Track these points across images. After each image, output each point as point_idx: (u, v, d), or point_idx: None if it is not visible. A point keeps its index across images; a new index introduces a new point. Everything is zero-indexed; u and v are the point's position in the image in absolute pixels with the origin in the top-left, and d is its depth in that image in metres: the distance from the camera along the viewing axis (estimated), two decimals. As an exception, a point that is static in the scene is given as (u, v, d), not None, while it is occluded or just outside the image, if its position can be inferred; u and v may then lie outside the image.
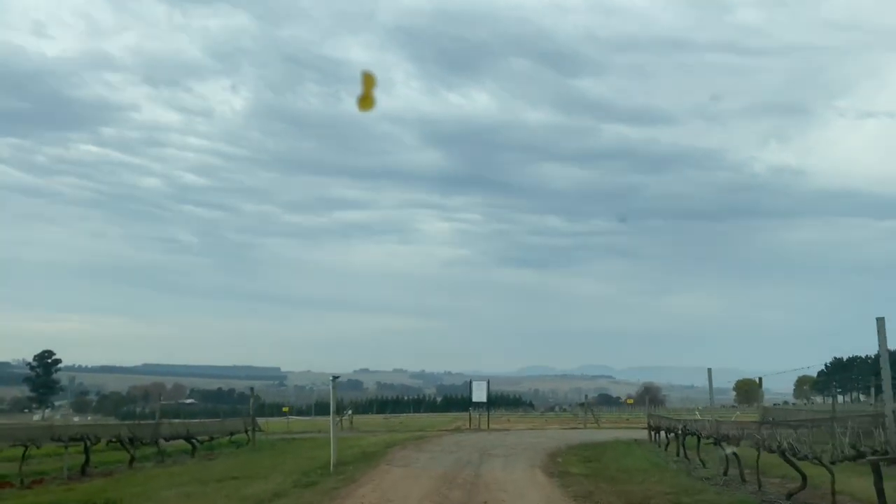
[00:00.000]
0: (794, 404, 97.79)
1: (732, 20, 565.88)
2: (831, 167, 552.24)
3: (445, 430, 39.51)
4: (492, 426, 42.99)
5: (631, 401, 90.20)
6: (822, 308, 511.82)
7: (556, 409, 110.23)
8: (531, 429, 42.53)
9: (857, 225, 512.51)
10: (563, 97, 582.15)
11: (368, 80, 4.25)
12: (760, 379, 21.37)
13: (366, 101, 4.28)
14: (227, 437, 30.61)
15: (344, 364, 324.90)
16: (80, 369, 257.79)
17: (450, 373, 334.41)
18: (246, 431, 31.61)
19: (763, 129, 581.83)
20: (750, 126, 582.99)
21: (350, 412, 48.88)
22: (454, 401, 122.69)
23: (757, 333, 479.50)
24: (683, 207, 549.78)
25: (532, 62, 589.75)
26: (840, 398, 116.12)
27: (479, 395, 44.70)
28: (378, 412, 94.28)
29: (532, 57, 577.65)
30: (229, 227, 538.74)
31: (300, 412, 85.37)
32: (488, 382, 46.73)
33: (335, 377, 18.50)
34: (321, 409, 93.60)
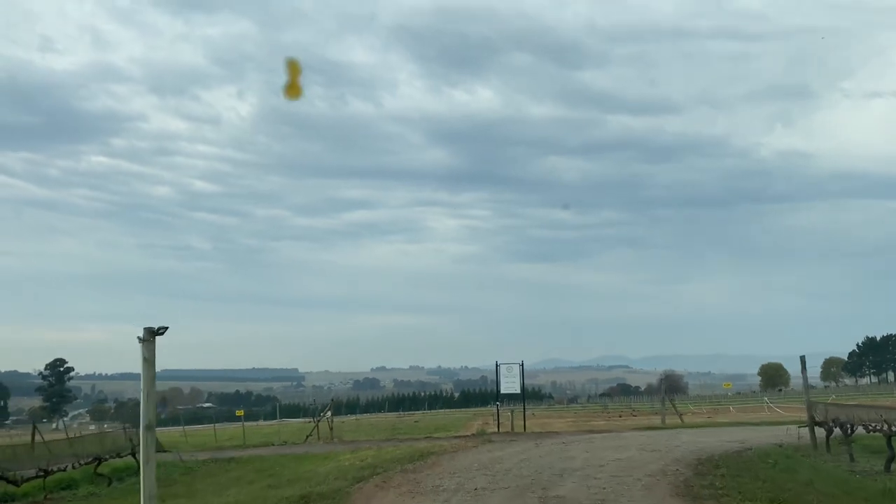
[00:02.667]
0: (826, 387, 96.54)
1: (732, 6, 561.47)
2: (838, 149, 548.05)
3: (464, 436, 28.15)
4: (529, 427, 31.16)
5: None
6: (837, 290, 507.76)
7: (580, 399, 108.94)
8: (585, 431, 29.35)
9: (866, 206, 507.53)
10: (567, 90, 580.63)
11: (293, 67, 4.36)
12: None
13: (292, 89, 4.36)
14: (114, 458, 20.13)
15: (361, 363, 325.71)
16: (100, 377, 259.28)
17: (466, 367, 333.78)
18: (133, 454, 19.78)
19: (768, 114, 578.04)
20: (755, 111, 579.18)
21: (329, 414, 35.04)
22: (472, 395, 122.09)
23: (772, 318, 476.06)
24: (691, 195, 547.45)
25: (534, 56, 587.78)
26: (870, 378, 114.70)
27: (511, 384, 31.30)
28: (392, 410, 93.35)
29: (533, 51, 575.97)
30: (241, 233, 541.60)
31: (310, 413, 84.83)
32: (522, 365, 31.71)
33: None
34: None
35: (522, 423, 31.34)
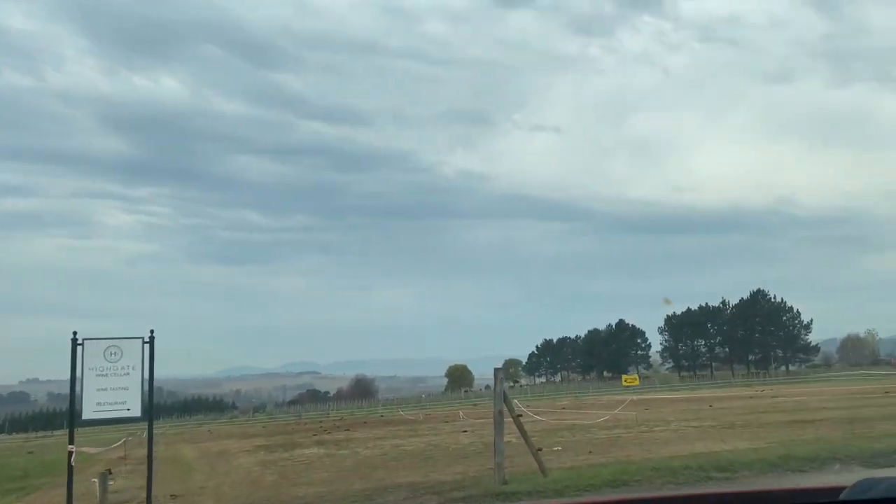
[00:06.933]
0: (511, 386, 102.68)
1: (421, 30, 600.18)
2: (511, 173, 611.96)
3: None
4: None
5: None
6: (514, 299, 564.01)
7: (267, 408, 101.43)
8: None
9: (532, 226, 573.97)
10: (260, 90, 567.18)
11: None
12: (497, 370, 15.75)
13: None
14: None
15: (8, 375, 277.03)
16: None
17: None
18: None
19: (451, 136, 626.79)
20: (440, 131, 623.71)
21: None
22: (158, 408, 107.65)
23: (457, 324, 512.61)
24: (382, 205, 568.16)
25: (225, 51, 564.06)
26: (546, 377, 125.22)
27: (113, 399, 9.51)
28: (43, 429, 77.12)
29: (225, 45, 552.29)
30: None
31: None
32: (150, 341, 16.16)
33: None
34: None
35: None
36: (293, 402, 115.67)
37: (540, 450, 10.44)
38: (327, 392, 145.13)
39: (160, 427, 66.51)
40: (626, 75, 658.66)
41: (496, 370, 10.87)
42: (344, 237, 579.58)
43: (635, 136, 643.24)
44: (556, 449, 14.29)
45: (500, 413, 10.09)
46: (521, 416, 10.33)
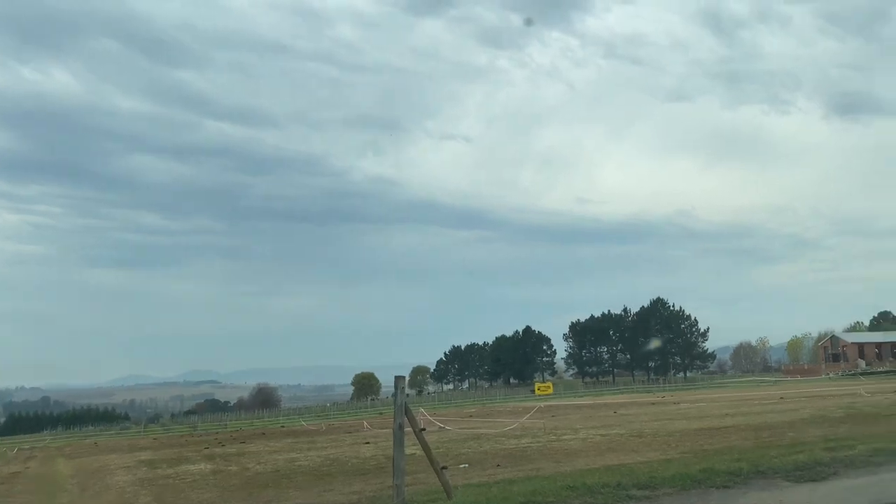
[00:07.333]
0: (418, 393, 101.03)
1: (331, 33, 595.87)
2: (422, 181, 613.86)
3: None
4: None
5: None
6: (423, 306, 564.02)
7: (161, 419, 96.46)
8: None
9: (440, 233, 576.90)
10: (161, 87, 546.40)
11: None
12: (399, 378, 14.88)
13: None
14: None
15: None
16: None
17: (23, 388, 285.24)
18: None
19: (362, 141, 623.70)
20: (350, 136, 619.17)
21: None
22: (24, 420, 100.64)
23: (365, 331, 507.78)
24: (289, 210, 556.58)
25: (124, 45, 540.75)
26: (454, 385, 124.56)
27: None
28: None
29: (124, 39, 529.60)
30: None
31: None
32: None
33: None
34: None
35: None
36: (190, 413, 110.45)
37: (445, 467, 9.36)
38: (228, 402, 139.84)
39: (41, 440, 61.70)
40: (535, 88, 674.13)
41: (397, 378, 9.71)
42: (249, 241, 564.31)
43: (543, 148, 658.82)
44: (462, 466, 13.26)
45: (400, 427, 8.94)
46: (423, 429, 9.18)
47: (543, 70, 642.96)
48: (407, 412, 9.12)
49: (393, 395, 9.26)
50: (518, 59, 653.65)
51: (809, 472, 8.90)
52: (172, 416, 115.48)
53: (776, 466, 9.22)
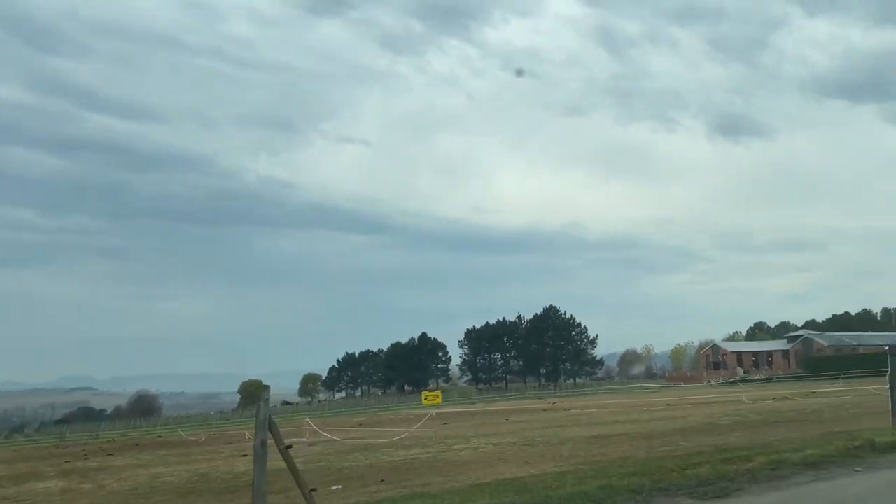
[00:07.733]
0: (308, 402, 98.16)
1: (224, 29, 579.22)
2: (317, 184, 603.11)
3: None
4: None
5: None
6: (317, 312, 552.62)
7: (27, 429, 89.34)
8: None
9: (336, 238, 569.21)
10: (39, 76, 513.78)
11: None
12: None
13: None
14: None
15: None
16: None
17: None
18: None
19: (255, 141, 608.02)
20: (243, 136, 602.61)
21: None
22: None
23: (256, 337, 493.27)
24: (176, 209, 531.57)
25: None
26: (346, 392, 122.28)
27: None
28: None
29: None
30: None
31: None
32: None
33: None
34: None
35: None
36: (61, 422, 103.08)
37: (314, 490, 8.13)
38: (104, 410, 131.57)
39: None
40: (434, 95, 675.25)
41: (265, 388, 8.40)
42: (133, 241, 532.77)
43: (441, 156, 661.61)
44: (334, 488, 12.01)
45: (263, 444, 7.65)
46: (290, 447, 7.93)
47: (443, 78, 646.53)
48: (271, 427, 7.84)
49: (256, 411, 7.97)
50: (418, 65, 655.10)
51: (713, 488, 8.26)
52: (42, 425, 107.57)
53: (678, 483, 8.54)
